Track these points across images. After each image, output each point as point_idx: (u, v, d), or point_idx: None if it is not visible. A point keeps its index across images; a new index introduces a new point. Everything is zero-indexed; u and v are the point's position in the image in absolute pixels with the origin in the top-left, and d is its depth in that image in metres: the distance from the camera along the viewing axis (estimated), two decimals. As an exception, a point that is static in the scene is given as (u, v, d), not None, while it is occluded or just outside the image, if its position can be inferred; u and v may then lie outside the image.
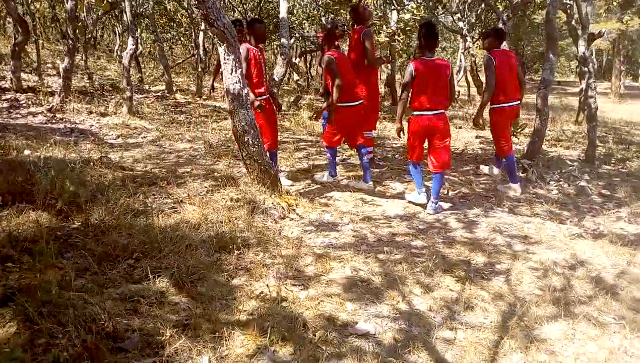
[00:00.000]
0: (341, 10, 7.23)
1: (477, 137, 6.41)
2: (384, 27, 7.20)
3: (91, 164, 3.54)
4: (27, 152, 3.85)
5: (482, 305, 2.18)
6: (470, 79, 11.14)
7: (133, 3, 7.08)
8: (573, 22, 5.90)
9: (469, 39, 9.84)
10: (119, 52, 10.64)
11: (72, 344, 1.61)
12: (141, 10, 9.41)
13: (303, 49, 12.12)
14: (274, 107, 3.88)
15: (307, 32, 11.05)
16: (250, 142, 3.19)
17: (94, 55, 11.46)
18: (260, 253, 2.52)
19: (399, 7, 8.22)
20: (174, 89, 8.58)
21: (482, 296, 2.26)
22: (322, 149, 4.70)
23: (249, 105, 3.17)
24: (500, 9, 6.98)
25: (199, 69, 9.28)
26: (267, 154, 3.70)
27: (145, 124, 5.71)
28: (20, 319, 1.70)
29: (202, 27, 9.08)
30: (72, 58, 6.01)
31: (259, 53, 3.59)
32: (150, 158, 4.30)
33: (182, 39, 13.78)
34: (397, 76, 10.31)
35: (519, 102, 4.02)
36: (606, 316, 2.13)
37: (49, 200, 2.70)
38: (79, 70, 8.50)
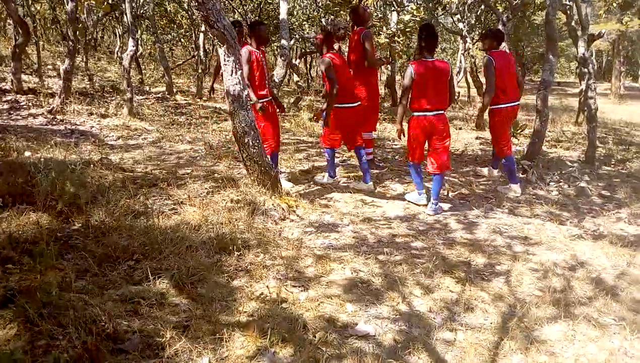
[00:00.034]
0: (341, 12, 7.24)
1: (477, 138, 6.41)
2: (384, 28, 7.21)
3: (91, 165, 3.55)
4: (27, 153, 3.86)
5: (482, 306, 2.18)
6: (470, 80, 11.15)
7: (133, 4, 7.09)
8: (573, 23, 5.91)
9: (468, 40, 9.85)
10: (119, 54, 10.67)
11: (72, 346, 1.61)
12: (141, 11, 9.43)
13: (303, 50, 12.13)
14: (278, 109, 3.91)
15: (307, 33, 11.06)
16: (251, 143, 3.20)
17: (95, 56, 11.48)
18: (260, 254, 2.52)
19: (398, 9, 8.24)
20: (175, 90, 8.59)
21: (482, 297, 2.26)
22: (321, 150, 4.70)
23: (249, 107, 3.18)
24: (500, 10, 6.99)
25: (199, 71, 9.30)
26: (268, 156, 3.72)
27: (146, 126, 5.72)
28: (21, 321, 1.70)
29: (203, 28, 9.10)
30: (72, 59, 6.02)
31: (261, 55, 3.60)
32: (150, 159, 4.31)
33: (182, 40, 13.81)
34: (397, 77, 10.32)
35: (518, 102, 4.04)
36: (606, 317, 2.13)
37: (49, 201, 2.71)
38: (80, 72, 8.52)
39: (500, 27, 5.00)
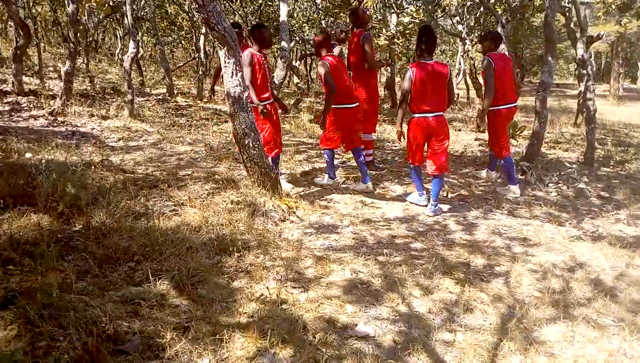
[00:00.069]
0: (341, 14, 7.26)
1: (476, 139, 6.42)
2: (384, 30, 7.23)
3: (92, 167, 3.56)
4: (28, 155, 3.87)
5: (481, 307, 2.19)
6: (469, 81, 11.17)
7: (134, 7, 7.11)
8: (572, 25, 5.93)
9: (468, 42, 9.88)
10: (120, 56, 10.69)
11: (73, 347, 1.62)
12: (142, 13, 9.46)
13: (303, 52, 12.17)
14: (281, 110, 3.95)
15: (307, 35, 11.09)
16: (251, 144, 3.21)
17: (96, 58, 11.50)
18: (260, 255, 2.53)
19: (398, 11, 8.27)
20: (175, 92, 8.61)
21: (482, 298, 2.26)
22: (321, 151, 4.72)
23: (249, 108, 3.19)
24: (499, 12, 7.01)
25: (200, 72, 9.32)
26: (269, 158, 3.75)
27: (147, 127, 5.73)
28: (21, 322, 1.71)
29: (203, 30, 9.12)
30: (73, 61, 6.04)
31: (263, 58, 3.62)
32: (151, 161, 4.32)
33: (183, 42, 13.85)
34: (397, 79, 10.35)
35: (516, 104, 4.07)
36: (605, 318, 2.14)
37: (50, 203, 2.72)
38: (81, 74, 8.54)
39: (499, 29, 5.02)
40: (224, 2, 10.05)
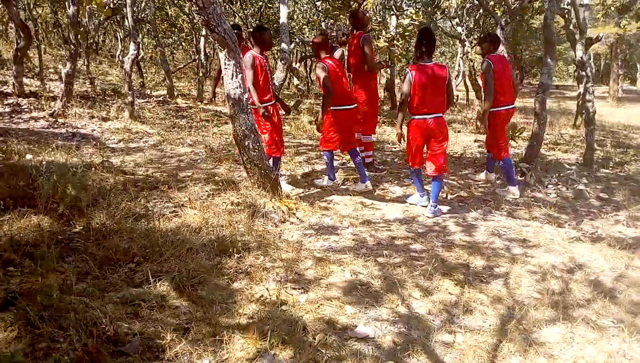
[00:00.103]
0: (341, 16, 7.29)
1: (475, 141, 6.43)
2: (383, 32, 7.26)
3: (93, 168, 3.56)
4: (29, 156, 3.87)
5: (481, 308, 2.19)
6: (468, 83, 11.19)
7: (135, 9, 7.13)
8: (571, 27, 5.95)
9: (467, 43, 9.91)
10: (120, 57, 10.70)
11: (73, 348, 1.62)
12: (143, 15, 9.48)
13: (303, 53, 12.19)
14: (284, 111, 4.00)
15: (307, 37, 11.12)
16: (251, 146, 3.22)
17: (96, 60, 11.52)
18: (260, 256, 2.54)
19: (397, 13, 8.30)
20: (175, 93, 8.63)
21: (481, 299, 2.27)
22: (321, 153, 4.73)
23: (249, 110, 3.20)
24: (499, 14, 7.04)
25: (200, 74, 9.34)
26: (270, 159, 3.77)
27: (147, 129, 5.74)
28: (22, 323, 1.71)
29: (203, 32, 9.14)
30: (74, 63, 6.06)
31: (265, 60, 3.64)
32: (151, 162, 4.33)
33: (183, 44, 13.86)
34: (397, 81, 10.37)
35: (514, 105, 4.09)
36: (605, 319, 2.14)
37: (50, 204, 2.72)
38: (81, 75, 8.55)
39: (498, 31, 5.03)
40: (224, 4, 10.08)
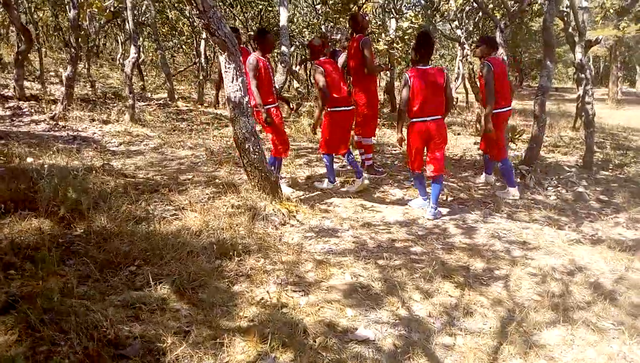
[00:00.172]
0: (340, 19, 7.32)
1: (475, 143, 6.44)
2: (383, 35, 7.28)
3: (94, 171, 3.57)
4: (29, 159, 3.88)
5: (481, 310, 2.19)
6: (468, 85, 11.22)
7: (135, 12, 7.16)
8: (570, 29, 5.98)
9: (466, 46, 9.94)
10: (121, 60, 10.75)
11: (73, 351, 1.62)
12: (143, 19, 9.52)
13: (303, 56, 12.23)
14: (290, 109, 4.12)
15: (307, 40, 11.16)
16: (251, 149, 3.23)
17: (97, 63, 11.56)
18: (260, 259, 2.54)
19: (397, 16, 8.33)
20: (176, 96, 8.65)
21: (481, 302, 2.27)
22: (321, 155, 4.74)
23: (249, 113, 3.21)
24: (498, 17, 7.06)
25: (201, 77, 9.37)
26: (275, 162, 3.80)
27: (147, 132, 5.76)
28: (22, 327, 1.71)
29: (204, 35, 9.18)
30: (74, 66, 6.08)
31: (267, 63, 3.67)
32: (152, 165, 4.34)
33: (183, 47, 13.92)
34: (396, 83, 10.39)
35: (512, 107, 4.15)
36: (605, 322, 2.14)
37: (51, 207, 2.73)
38: (82, 79, 8.58)
39: (497, 33, 5.05)
40: (225, 7, 10.13)
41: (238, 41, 3.54)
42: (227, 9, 10.28)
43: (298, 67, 10.50)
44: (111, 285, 2.12)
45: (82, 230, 2.60)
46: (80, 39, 6.77)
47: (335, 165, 4.46)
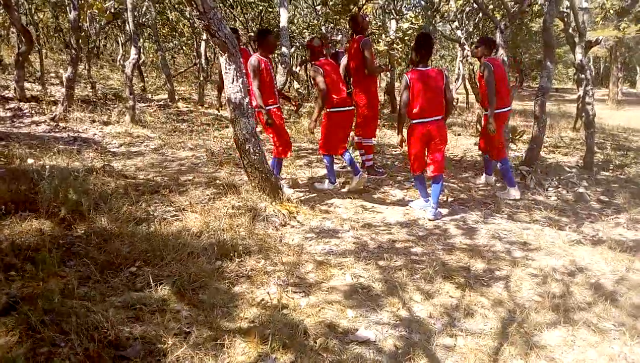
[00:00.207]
0: (341, 20, 7.32)
1: (475, 144, 6.44)
2: (383, 36, 7.29)
3: (94, 172, 3.57)
4: (30, 160, 3.89)
5: (482, 311, 2.19)
6: (468, 86, 11.23)
7: (135, 13, 7.18)
8: (570, 30, 5.98)
9: (467, 47, 9.95)
10: (121, 62, 10.76)
11: (74, 353, 1.62)
12: (144, 20, 9.54)
13: (303, 57, 12.24)
14: (294, 106, 4.18)
15: (307, 41, 11.16)
16: (252, 150, 3.23)
17: (97, 64, 11.57)
18: (261, 260, 2.54)
19: (397, 17, 8.34)
20: (176, 97, 8.66)
21: (482, 302, 2.27)
22: (321, 156, 4.74)
23: (250, 114, 3.22)
24: (498, 18, 7.07)
25: (201, 78, 9.38)
26: (276, 162, 3.82)
27: (148, 133, 5.76)
28: (23, 328, 1.71)
29: (204, 37, 9.19)
30: (75, 67, 6.09)
31: (269, 63, 3.67)
32: (152, 166, 4.34)
33: (184, 48, 13.93)
34: (397, 84, 10.41)
35: (511, 107, 4.17)
36: (606, 322, 2.14)
37: (52, 208, 2.73)
38: (82, 80, 8.59)
39: (498, 34, 5.05)
40: (225, 8, 10.14)
41: (237, 42, 3.55)
42: (228, 10, 10.30)
43: (298, 68, 10.51)
44: (112, 286, 2.12)
45: (82, 231, 2.60)
46: (80, 40, 6.78)
47: (336, 166, 4.46)
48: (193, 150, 5.12)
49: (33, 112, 5.88)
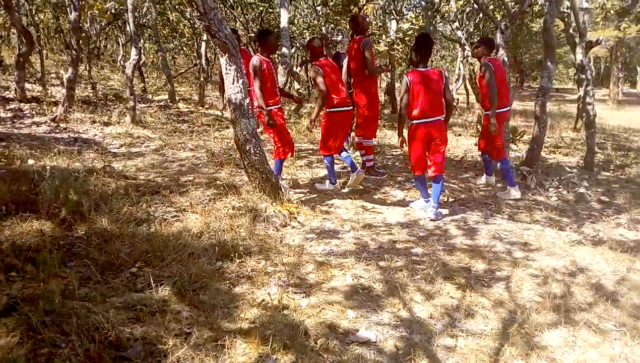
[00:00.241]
0: (341, 20, 7.33)
1: (476, 144, 6.44)
2: (383, 36, 7.30)
3: (95, 173, 3.57)
4: (31, 161, 3.89)
5: (482, 312, 2.19)
6: (469, 86, 11.24)
7: (136, 14, 7.18)
8: (571, 30, 5.98)
9: (467, 47, 9.95)
10: (122, 62, 10.78)
11: (75, 353, 1.62)
12: (144, 20, 9.55)
13: (304, 58, 12.25)
14: (296, 103, 4.15)
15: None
16: (252, 150, 3.23)
17: (98, 65, 11.59)
18: (261, 261, 2.54)
19: (398, 17, 8.34)
20: (177, 98, 8.66)
21: (483, 303, 2.26)
22: (321, 156, 4.75)
23: (250, 115, 3.22)
24: (498, 18, 7.08)
25: (202, 79, 9.39)
26: (278, 163, 3.81)
27: (148, 133, 5.77)
28: (24, 329, 1.71)
29: (205, 37, 9.20)
30: (75, 68, 6.09)
31: (271, 63, 3.68)
32: (153, 167, 4.34)
33: (184, 48, 13.95)
34: (397, 84, 10.41)
35: (510, 107, 4.18)
36: (607, 323, 2.13)
37: (52, 209, 2.73)
38: (83, 80, 8.60)
39: (498, 34, 5.06)
40: (226, 9, 10.15)
41: (238, 43, 3.56)
42: (228, 11, 10.31)
43: (299, 68, 10.52)
44: (112, 287, 2.12)
45: (83, 232, 2.60)
46: (81, 41, 6.79)
47: (336, 167, 4.46)
48: (193, 151, 5.12)
49: (34, 112, 5.89)
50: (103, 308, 1.89)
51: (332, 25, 8.11)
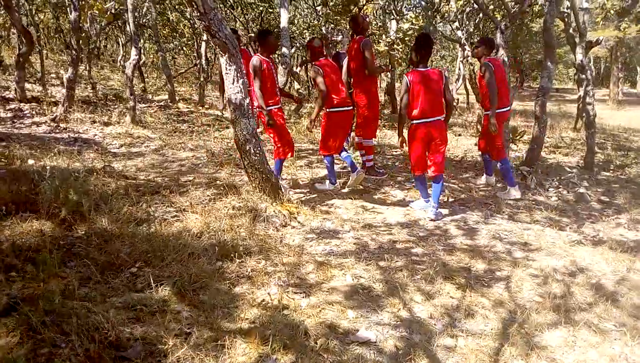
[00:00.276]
0: (341, 20, 7.33)
1: (476, 144, 6.44)
2: (384, 36, 7.30)
3: (95, 173, 3.58)
4: (31, 161, 3.89)
5: (482, 312, 2.19)
6: (469, 86, 11.24)
7: (136, 14, 7.19)
8: (571, 30, 5.98)
9: (467, 47, 9.95)
10: (122, 62, 10.78)
11: (75, 353, 1.62)
12: (144, 20, 9.55)
13: (304, 58, 12.25)
14: (296, 103, 4.20)
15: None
16: (252, 150, 3.23)
17: (98, 65, 11.59)
18: (262, 261, 2.54)
19: (398, 17, 8.34)
20: (177, 98, 8.67)
21: (483, 303, 2.26)
22: (321, 157, 4.75)
23: (250, 115, 3.22)
24: (498, 18, 7.08)
25: (202, 79, 9.39)
26: (278, 163, 3.81)
27: (148, 133, 5.77)
28: (24, 329, 1.71)
29: (205, 37, 9.20)
30: (75, 68, 6.09)
31: (271, 63, 3.68)
32: (153, 167, 4.34)
33: (184, 48, 13.95)
34: (397, 84, 10.41)
35: (510, 107, 4.19)
36: (607, 323, 2.14)
37: (52, 209, 2.73)
38: (83, 80, 8.60)
39: (498, 34, 5.06)
40: (226, 9, 10.16)
41: (238, 43, 3.56)
42: (228, 11, 10.31)
43: (299, 68, 10.52)
44: (112, 287, 2.12)
45: (83, 232, 2.60)
46: (81, 41, 6.79)
47: (336, 167, 4.46)
48: (193, 151, 5.12)
49: (34, 112, 5.89)
50: (103, 308, 1.89)
51: (332, 25, 8.11)
